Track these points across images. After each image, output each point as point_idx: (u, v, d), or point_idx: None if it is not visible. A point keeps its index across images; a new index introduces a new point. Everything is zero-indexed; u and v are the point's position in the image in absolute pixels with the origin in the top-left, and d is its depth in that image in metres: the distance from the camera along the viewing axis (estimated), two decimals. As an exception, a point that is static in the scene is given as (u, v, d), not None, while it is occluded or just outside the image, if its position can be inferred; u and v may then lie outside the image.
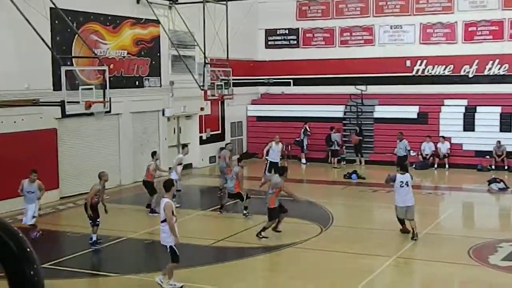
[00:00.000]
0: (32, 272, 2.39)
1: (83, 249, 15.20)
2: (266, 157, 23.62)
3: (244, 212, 18.49)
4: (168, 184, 12.34)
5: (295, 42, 33.97)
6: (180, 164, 20.76)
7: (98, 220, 15.28)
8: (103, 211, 15.81)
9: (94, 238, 15.15)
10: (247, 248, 15.46)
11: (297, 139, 30.48)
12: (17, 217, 18.85)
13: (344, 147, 29.88)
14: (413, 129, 29.17)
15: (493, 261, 13.99)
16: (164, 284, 12.07)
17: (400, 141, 25.41)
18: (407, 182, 16.03)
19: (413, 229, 15.97)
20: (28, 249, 2.43)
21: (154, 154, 20.33)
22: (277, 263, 14.63)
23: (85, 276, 13.60)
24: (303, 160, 30.06)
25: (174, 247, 11.92)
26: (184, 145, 20.65)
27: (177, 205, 19.35)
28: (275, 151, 23.40)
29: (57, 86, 19.99)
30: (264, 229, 15.84)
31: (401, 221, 16.32)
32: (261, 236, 15.70)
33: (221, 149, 30.58)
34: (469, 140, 28.66)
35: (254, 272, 13.91)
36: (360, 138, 29.57)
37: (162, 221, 11.98)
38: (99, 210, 15.60)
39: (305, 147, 30.25)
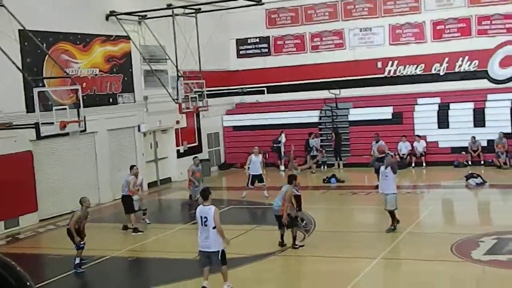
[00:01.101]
0: None
1: (67, 270, 15.02)
2: (248, 171, 23.35)
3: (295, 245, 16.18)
4: (206, 192, 12.64)
5: (266, 50, 34.08)
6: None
7: (82, 243, 14.97)
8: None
9: (77, 261, 14.87)
10: (231, 258, 15.38)
11: (274, 146, 30.50)
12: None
13: (324, 151, 29.91)
14: (389, 129, 29.38)
15: (476, 256, 14.11)
16: (225, 287, 12.46)
17: (377, 142, 25.53)
18: (386, 175, 16.91)
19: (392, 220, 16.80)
20: (28, 283, 2.41)
21: (131, 168, 19.86)
22: (262, 272, 14.59)
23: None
24: (282, 167, 30.08)
25: (224, 250, 12.33)
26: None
27: (148, 222, 19.62)
28: (255, 163, 23.16)
29: (30, 108, 19.83)
30: (294, 238, 15.67)
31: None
32: (297, 247, 15.57)
33: (200, 161, 30.60)
34: (444, 137, 28.95)
35: (239, 282, 13.86)
36: (337, 141, 29.66)
37: (214, 227, 12.12)
38: (82, 234, 15.26)
39: (282, 154, 30.23)
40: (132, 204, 19.05)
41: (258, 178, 22.94)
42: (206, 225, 12.23)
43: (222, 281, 12.48)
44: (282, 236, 15.83)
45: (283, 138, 30.18)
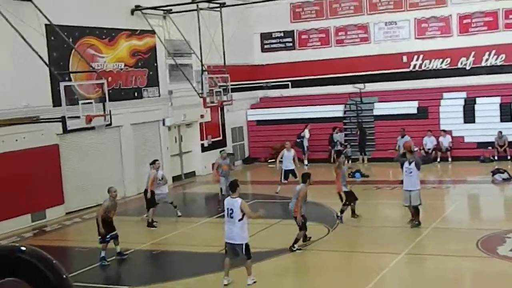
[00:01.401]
0: None
1: (93, 263, 15.18)
2: (281, 166, 23.09)
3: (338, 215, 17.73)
4: (234, 185, 12.79)
5: (291, 44, 34.01)
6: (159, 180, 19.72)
7: (107, 237, 15.01)
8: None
9: (103, 254, 14.98)
10: (255, 252, 15.39)
11: (297, 140, 30.43)
12: (24, 235, 18.91)
13: (348, 146, 29.82)
14: (414, 124, 29.19)
15: (502, 252, 13.99)
16: (249, 281, 12.55)
17: (402, 137, 25.35)
18: (410, 170, 16.73)
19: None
20: (64, 276, 2.45)
21: (153, 163, 19.84)
22: (286, 265, 14.62)
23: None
24: (305, 162, 30.01)
25: (248, 244, 12.42)
26: (154, 161, 19.93)
27: (179, 215, 19.75)
28: (287, 158, 22.82)
29: (56, 102, 20.02)
30: (296, 240, 15.19)
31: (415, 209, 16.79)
32: (294, 249, 15.05)
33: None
34: (470, 132, 28.67)
35: (263, 276, 13.89)
36: (361, 136, 29.57)
37: (240, 220, 12.25)
38: (111, 225, 15.27)
39: (305, 149, 30.15)
40: (152, 198, 19.12)
41: (291, 172, 22.72)
42: (231, 217, 12.35)
43: (246, 275, 12.52)
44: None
45: (306, 133, 30.08)
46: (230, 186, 13.05)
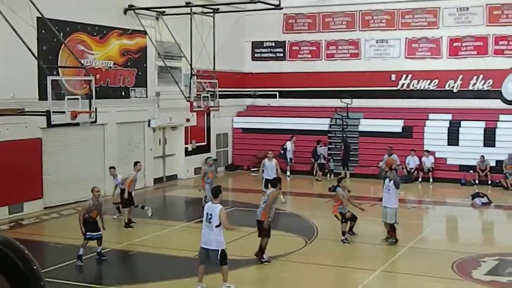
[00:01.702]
0: None
1: (67, 259, 15.08)
2: (263, 175, 22.70)
3: (342, 238, 17.03)
4: (217, 190, 12.92)
5: (281, 54, 34.11)
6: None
7: (87, 235, 14.92)
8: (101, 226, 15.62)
9: (80, 252, 14.85)
10: (232, 260, 15.40)
11: (281, 151, 30.44)
12: (0, 227, 18.76)
13: (331, 160, 29.94)
14: (398, 142, 29.33)
15: (477, 276, 14.07)
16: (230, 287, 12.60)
17: (389, 155, 25.37)
18: (389, 189, 16.82)
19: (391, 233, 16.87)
20: (35, 267, 2.44)
21: (135, 164, 20.07)
22: (260, 276, 14.60)
23: (66, 287, 13.48)
24: (288, 173, 30.02)
25: (225, 250, 12.43)
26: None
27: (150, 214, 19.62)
28: (268, 168, 22.51)
29: (42, 95, 19.92)
30: (263, 250, 14.93)
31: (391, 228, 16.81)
32: (263, 260, 14.90)
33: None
34: (453, 155, 28.85)
35: (238, 285, 13.87)
36: (345, 151, 29.65)
37: (217, 226, 12.24)
38: (94, 225, 15.08)
39: (288, 160, 30.13)
40: (130, 199, 19.12)
41: (271, 182, 22.43)
42: (210, 222, 12.34)
43: (222, 281, 12.51)
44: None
45: (288, 145, 29.99)
46: (212, 192, 13.08)
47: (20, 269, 2.37)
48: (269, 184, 21.70)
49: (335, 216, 17.34)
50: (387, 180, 17.07)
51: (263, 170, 22.69)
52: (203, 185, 21.25)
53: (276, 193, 15.30)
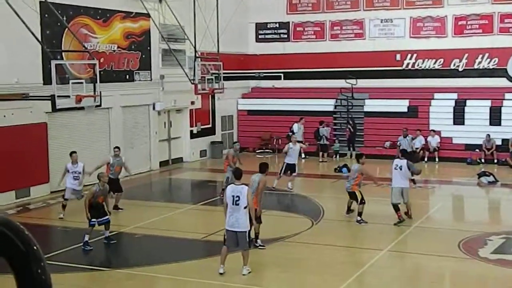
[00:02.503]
0: (39, 271, 2.38)
1: (74, 243, 15.16)
2: (285, 160, 21.93)
3: (358, 219, 16.99)
4: (239, 172, 12.93)
5: (285, 36, 33.96)
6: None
7: (92, 220, 14.84)
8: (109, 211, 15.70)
9: (86, 238, 14.86)
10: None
11: (289, 133, 30.34)
12: (7, 211, 18.84)
13: (336, 141, 29.90)
14: (404, 122, 29.20)
15: (483, 254, 14.08)
16: (244, 271, 12.65)
17: (405, 137, 25.19)
18: (401, 166, 16.91)
19: (409, 209, 17.10)
20: (35, 247, 2.41)
21: (115, 148, 19.80)
22: (268, 256, 14.64)
23: (75, 271, 13.57)
24: (302, 155, 29.80)
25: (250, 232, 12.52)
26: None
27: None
28: (292, 152, 21.71)
29: (47, 80, 19.90)
30: (257, 235, 14.81)
31: (396, 208, 16.75)
32: (257, 245, 14.76)
33: (212, 143, 30.73)
34: (459, 134, 28.78)
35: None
36: (353, 131, 29.61)
37: (245, 207, 12.24)
38: (101, 210, 15.07)
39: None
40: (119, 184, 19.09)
41: (291, 168, 21.79)
42: (237, 204, 12.23)
43: (242, 264, 12.58)
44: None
45: (295, 128, 29.80)
46: (235, 174, 13.03)
47: (20, 250, 2.35)
48: (289, 170, 21.59)
49: (353, 193, 17.20)
50: (395, 159, 17.39)
51: (286, 153, 21.94)
52: (225, 167, 20.74)
53: (265, 179, 14.89)
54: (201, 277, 12.70)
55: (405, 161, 17.16)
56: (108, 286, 12.68)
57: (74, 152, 18.65)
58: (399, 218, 16.77)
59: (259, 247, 14.79)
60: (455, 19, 30.52)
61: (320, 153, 29.29)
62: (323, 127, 29.75)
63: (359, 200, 17.14)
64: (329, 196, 21.34)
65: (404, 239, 15.56)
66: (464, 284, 12.58)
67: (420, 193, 22.08)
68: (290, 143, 22.16)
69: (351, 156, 29.42)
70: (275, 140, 31.56)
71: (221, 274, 12.54)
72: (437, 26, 30.92)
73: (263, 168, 15.03)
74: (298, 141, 29.47)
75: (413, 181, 21.02)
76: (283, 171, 21.77)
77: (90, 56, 21.03)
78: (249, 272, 12.64)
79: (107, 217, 15.17)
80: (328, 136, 29.73)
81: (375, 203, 19.40)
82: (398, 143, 26.25)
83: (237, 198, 12.24)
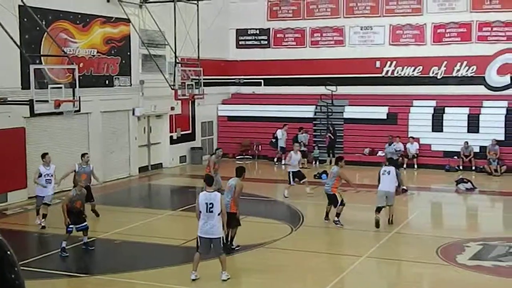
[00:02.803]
0: (13, 276, 2.34)
1: (52, 249, 15.03)
2: (288, 169, 22.54)
3: (335, 219, 17.35)
4: (210, 179, 12.92)
5: (266, 42, 34.02)
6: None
7: (70, 227, 14.68)
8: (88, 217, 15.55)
9: (63, 245, 14.69)
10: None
11: (272, 140, 30.37)
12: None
13: (316, 148, 29.99)
14: (383, 129, 29.43)
15: (461, 261, 14.17)
16: (223, 276, 12.60)
17: (390, 144, 25.24)
18: (389, 171, 17.36)
19: (391, 215, 17.29)
20: (8, 252, 2.38)
21: (83, 155, 18.73)
22: (247, 263, 14.62)
23: (53, 277, 13.45)
24: (275, 160, 29.91)
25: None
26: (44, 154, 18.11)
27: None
28: (295, 160, 22.21)
29: (25, 84, 19.73)
30: (232, 238, 14.97)
31: (378, 210, 17.02)
32: (233, 247, 14.93)
33: (192, 149, 30.66)
34: (437, 141, 28.98)
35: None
36: (332, 138, 29.70)
37: (219, 214, 12.24)
38: (79, 216, 14.90)
39: (279, 149, 29.85)
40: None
41: (298, 175, 22.06)
42: (211, 211, 12.22)
43: (220, 269, 12.57)
44: (228, 232, 14.90)
45: (279, 134, 29.88)
46: (206, 181, 12.82)
47: None
48: (295, 177, 21.84)
49: (333, 195, 17.52)
50: (383, 166, 17.87)
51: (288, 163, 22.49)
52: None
53: (241, 183, 14.90)
54: (180, 283, 12.65)
55: (393, 167, 17.68)
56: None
57: (47, 153, 18.05)
58: (375, 219, 16.87)
59: (235, 248, 14.89)
60: (434, 27, 30.78)
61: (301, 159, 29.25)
62: (302, 133, 29.80)
63: (339, 201, 17.37)
64: (308, 202, 21.35)
65: (383, 245, 15.61)
66: (442, 290, 12.66)
67: (399, 200, 22.18)
68: (292, 152, 22.47)
69: (330, 162, 29.47)
70: (255, 146, 31.58)
71: (193, 280, 12.51)
72: (416, 34, 31.16)
73: (240, 172, 15.05)
74: (281, 147, 29.60)
75: (405, 190, 21.46)
76: (291, 180, 21.91)
77: (69, 61, 20.92)
78: (228, 278, 12.59)
79: (85, 223, 15.05)
80: (306, 143, 29.78)
81: (355, 209, 19.48)
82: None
83: (211, 205, 12.23)
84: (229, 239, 14.94)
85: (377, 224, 16.82)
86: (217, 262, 12.65)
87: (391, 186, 17.36)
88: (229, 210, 14.64)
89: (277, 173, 28.32)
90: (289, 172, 22.16)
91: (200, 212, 12.35)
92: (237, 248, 14.97)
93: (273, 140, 30.32)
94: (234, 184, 14.78)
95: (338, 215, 17.32)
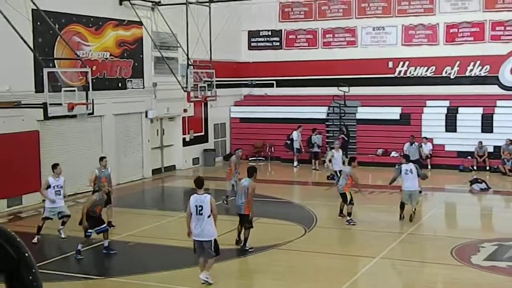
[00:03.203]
0: (30, 277, 2.36)
1: (67, 251, 15.09)
2: (331, 168, 23.04)
3: (347, 219, 17.81)
4: (200, 181, 12.56)
5: (278, 43, 34.02)
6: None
7: (89, 231, 14.63)
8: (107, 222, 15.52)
9: (79, 247, 14.69)
10: (231, 249, 15.44)
11: (287, 141, 30.31)
12: (-1, 220, 18.75)
13: (329, 149, 29.88)
14: (396, 130, 29.36)
15: (476, 261, 14.09)
16: (202, 276, 12.44)
17: (411, 144, 25.07)
18: (411, 169, 17.96)
19: (413, 210, 18.02)
20: (26, 254, 2.40)
21: (101, 159, 18.18)
22: (261, 264, 14.62)
23: (67, 279, 13.51)
24: (295, 163, 29.89)
25: (217, 240, 12.39)
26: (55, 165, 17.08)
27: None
28: (337, 158, 22.74)
29: (39, 88, 19.86)
30: (246, 240, 15.14)
31: (402, 207, 17.87)
32: (247, 248, 15.04)
33: (205, 151, 30.72)
34: (451, 141, 28.85)
35: (237, 273, 13.92)
36: (346, 139, 29.61)
37: (208, 216, 12.15)
38: (98, 220, 14.88)
39: (295, 150, 29.83)
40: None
41: (248, 171, 21.92)
42: (201, 214, 12.16)
43: (204, 270, 12.44)
44: (239, 233, 15.40)
45: (294, 135, 29.85)
46: (196, 183, 12.55)
47: (11, 256, 2.34)
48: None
49: (343, 193, 17.88)
50: (402, 165, 18.25)
51: (330, 161, 22.91)
52: (228, 175, 20.78)
53: (254, 183, 14.98)
54: (193, 285, 12.65)
55: (412, 164, 18.26)
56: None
57: (58, 164, 17.12)
58: (400, 216, 17.89)
59: (249, 250, 14.94)
60: (446, 27, 30.65)
61: (313, 161, 29.24)
62: (315, 134, 29.76)
63: (348, 200, 17.73)
64: (321, 204, 21.32)
65: (397, 246, 15.56)
66: (457, 291, 12.60)
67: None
68: (333, 150, 23.22)
69: (343, 163, 29.37)
70: (268, 147, 31.57)
71: (203, 281, 12.41)
72: (429, 33, 31.05)
73: (251, 172, 15.13)
74: (297, 149, 29.47)
75: (419, 191, 21.42)
76: (336, 178, 22.19)
77: (82, 64, 21.01)
78: (207, 279, 12.35)
79: (104, 225, 15.05)
80: (320, 144, 29.72)
81: (369, 209, 19.44)
82: (406, 151, 25.81)
83: (200, 208, 12.16)
84: (242, 240, 15.04)
85: (403, 216, 17.84)
86: (227, 265, 12.64)
87: (415, 185, 18.05)
88: (243, 212, 14.89)
89: (289, 174, 28.28)
90: (335, 172, 22.80)
91: (192, 214, 12.33)
92: (251, 250, 15.03)
93: (288, 142, 30.27)
94: (247, 185, 14.88)
95: (349, 214, 17.79)
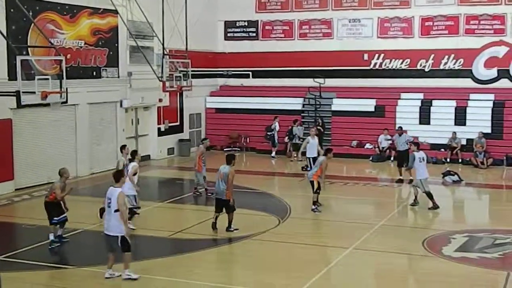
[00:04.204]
0: None
1: (39, 241, 14.99)
2: (306, 155, 23.25)
3: (312, 207, 18.23)
4: (118, 174, 12.38)
5: (254, 34, 34.00)
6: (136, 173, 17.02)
7: (55, 218, 14.69)
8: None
9: (52, 237, 14.72)
10: (204, 240, 15.48)
11: (268, 133, 30.24)
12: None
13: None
14: (370, 122, 29.56)
15: (447, 252, 14.28)
16: (124, 275, 12.16)
17: (400, 136, 25.18)
18: (424, 157, 18.94)
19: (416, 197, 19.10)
20: None
21: (123, 147, 18.54)
22: (234, 254, 14.66)
23: (40, 269, 13.41)
24: (273, 154, 29.88)
25: (125, 236, 12.00)
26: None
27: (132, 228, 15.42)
28: (312, 145, 22.92)
29: (12, 75, 19.62)
30: (230, 222, 15.78)
31: (430, 196, 18.70)
32: (231, 229, 15.70)
33: (180, 141, 30.65)
34: (424, 133, 29.01)
35: (210, 264, 13.94)
36: (322, 130, 29.69)
37: (116, 211, 11.87)
38: (62, 208, 14.94)
39: (275, 141, 29.85)
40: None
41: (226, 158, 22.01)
42: (109, 207, 12.00)
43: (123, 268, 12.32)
44: (216, 218, 15.87)
45: (276, 126, 29.87)
46: (114, 176, 12.36)
47: None
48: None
49: (312, 182, 18.09)
50: (415, 153, 19.06)
51: (303, 153, 23.24)
52: (200, 165, 20.75)
53: (233, 170, 15.67)
54: (168, 275, 12.66)
55: (423, 152, 19.24)
56: (72, 284, 12.54)
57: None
58: (434, 204, 18.56)
59: (233, 231, 15.64)
60: (422, 20, 30.87)
61: (293, 153, 29.12)
62: (297, 126, 29.75)
63: (314, 189, 18.00)
64: (296, 195, 21.40)
65: (369, 237, 15.68)
66: (429, 281, 12.72)
67: (386, 192, 22.34)
68: (309, 137, 23.36)
69: (318, 154, 29.46)
70: (243, 138, 31.59)
71: (106, 278, 12.29)
72: (404, 26, 31.25)
73: (230, 159, 15.76)
74: (295, 143, 29.43)
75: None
76: (310, 166, 22.40)
77: (56, 52, 20.79)
78: (131, 278, 12.20)
79: (65, 215, 14.98)
80: (301, 135, 29.67)
81: (342, 201, 19.57)
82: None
83: (109, 201, 11.98)
84: (216, 225, 15.66)
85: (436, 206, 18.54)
86: (202, 255, 12.64)
87: (427, 172, 18.89)
88: (225, 197, 15.52)
89: (264, 165, 28.33)
90: (308, 158, 22.97)
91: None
92: (236, 231, 15.64)
93: (269, 133, 30.16)
94: (227, 172, 15.44)
95: (313, 202, 18.12)
